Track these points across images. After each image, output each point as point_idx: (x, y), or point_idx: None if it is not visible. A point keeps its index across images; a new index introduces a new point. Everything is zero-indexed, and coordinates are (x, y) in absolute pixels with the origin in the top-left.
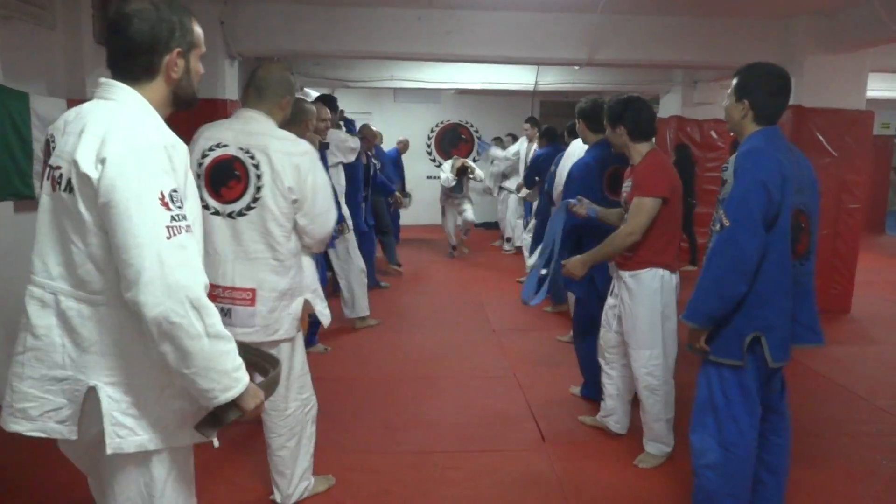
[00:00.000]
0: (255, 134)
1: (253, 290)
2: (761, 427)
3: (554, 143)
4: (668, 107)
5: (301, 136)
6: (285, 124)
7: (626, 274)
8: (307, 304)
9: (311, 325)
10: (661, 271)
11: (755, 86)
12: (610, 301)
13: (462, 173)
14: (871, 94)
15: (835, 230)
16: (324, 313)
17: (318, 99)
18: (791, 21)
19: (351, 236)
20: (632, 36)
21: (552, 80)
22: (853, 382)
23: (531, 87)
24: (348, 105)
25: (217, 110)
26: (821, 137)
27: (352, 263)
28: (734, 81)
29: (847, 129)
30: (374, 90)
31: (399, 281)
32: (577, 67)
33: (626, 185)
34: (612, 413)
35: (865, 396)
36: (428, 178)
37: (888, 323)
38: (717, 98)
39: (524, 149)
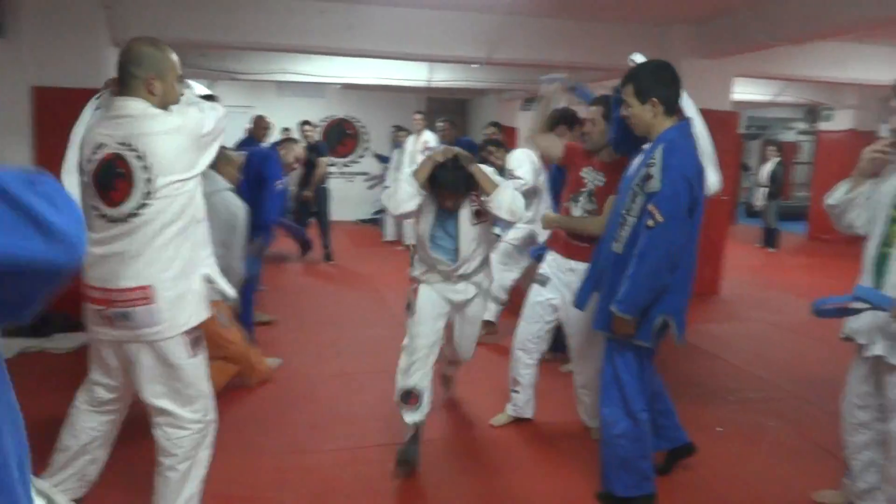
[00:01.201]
0: (128, 122)
1: (148, 288)
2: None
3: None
4: (553, 105)
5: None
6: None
7: (581, 266)
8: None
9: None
10: None
11: (654, 83)
12: (545, 293)
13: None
14: (736, 96)
15: (707, 220)
16: (227, 290)
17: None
18: (668, 28)
19: None
20: (527, 37)
21: (444, 77)
22: (732, 356)
23: (424, 84)
24: (228, 99)
25: None
26: None
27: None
28: (630, 87)
29: (716, 129)
30: (256, 83)
31: (297, 280)
32: (474, 66)
33: (597, 177)
34: (528, 402)
35: (744, 367)
36: None
37: (752, 302)
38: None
39: (412, 141)
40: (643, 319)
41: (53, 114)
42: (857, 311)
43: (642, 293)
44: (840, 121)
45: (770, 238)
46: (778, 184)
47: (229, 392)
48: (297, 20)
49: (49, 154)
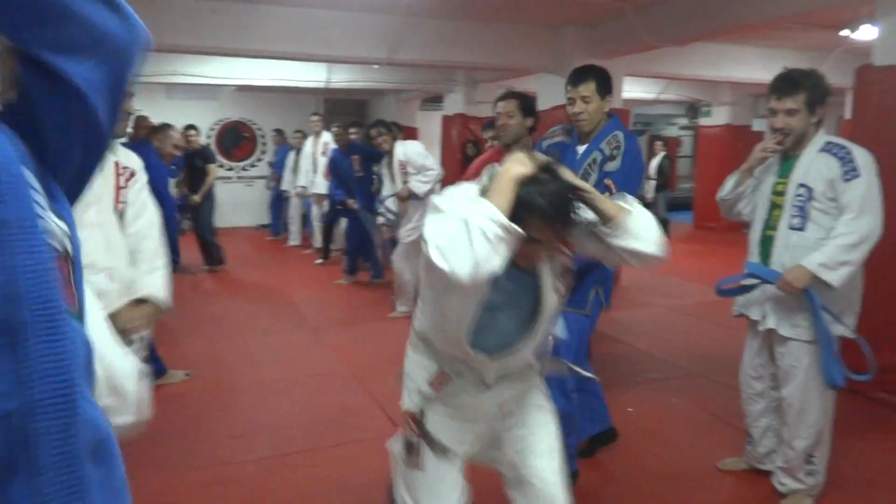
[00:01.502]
0: None
1: None
2: None
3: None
4: (452, 105)
5: None
6: None
7: None
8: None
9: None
10: None
11: (608, 82)
12: None
13: None
14: (625, 94)
15: None
16: None
17: None
18: (561, 30)
19: None
20: (427, 38)
21: (343, 77)
22: (636, 339)
23: (322, 85)
24: None
25: None
26: None
27: None
28: (592, 84)
29: None
30: (143, 86)
31: (201, 289)
32: (374, 66)
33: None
34: None
35: (647, 350)
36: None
37: (650, 288)
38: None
39: (310, 143)
40: (578, 290)
41: None
42: (753, 287)
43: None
44: (717, 116)
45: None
46: (665, 176)
47: None
48: (190, 20)
49: None
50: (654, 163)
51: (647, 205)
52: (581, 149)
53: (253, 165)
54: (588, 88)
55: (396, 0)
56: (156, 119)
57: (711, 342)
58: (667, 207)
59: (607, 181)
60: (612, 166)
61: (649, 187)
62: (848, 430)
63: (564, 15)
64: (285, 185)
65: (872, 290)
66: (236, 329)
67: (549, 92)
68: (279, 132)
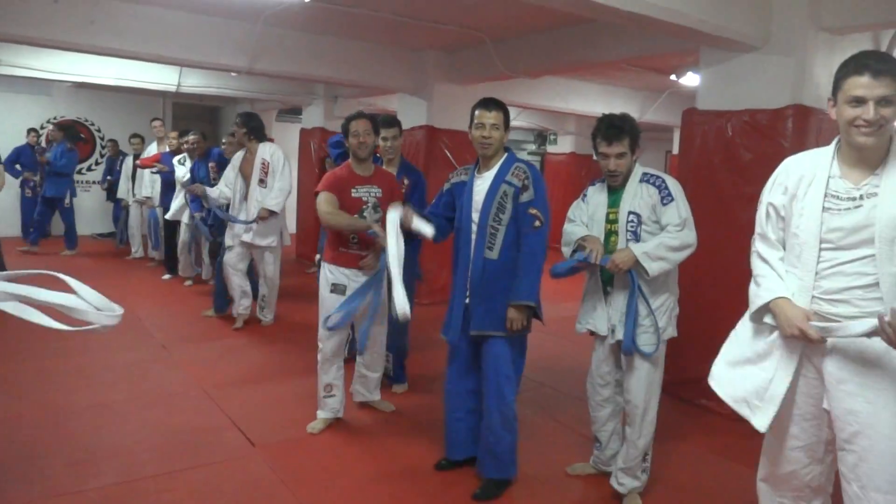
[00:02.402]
0: None
1: None
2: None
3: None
4: (311, 118)
5: None
6: None
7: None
8: None
9: None
10: None
11: (509, 116)
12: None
13: None
14: None
15: None
16: None
17: None
18: (423, 53)
19: None
20: (290, 49)
21: (196, 82)
22: None
23: (172, 88)
24: None
25: None
26: (448, 153)
27: None
28: (501, 114)
29: (467, 147)
30: None
31: None
32: (233, 74)
33: (371, 190)
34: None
35: None
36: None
37: None
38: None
39: (154, 149)
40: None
41: None
42: (583, 269)
43: (537, 282)
44: (563, 144)
45: None
46: None
47: None
48: (28, 9)
49: None
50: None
51: None
52: (483, 178)
53: (90, 169)
54: (498, 117)
55: (259, 9)
56: None
57: (561, 357)
58: None
59: (532, 210)
60: (527, 196)
61: None
62: (670, 434)
63: (427, 39)
64: (121, 194)
65: (692, 302)
66: (72, 346)
67: (409, 113)
68: (114, 143)
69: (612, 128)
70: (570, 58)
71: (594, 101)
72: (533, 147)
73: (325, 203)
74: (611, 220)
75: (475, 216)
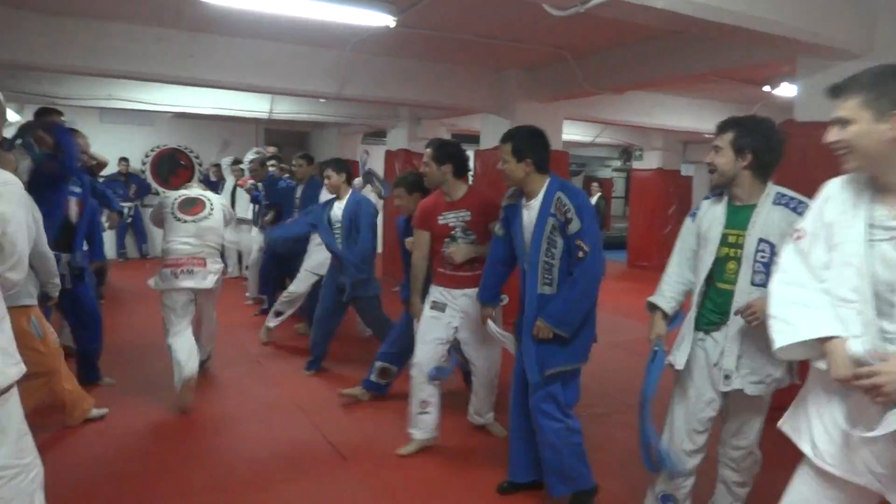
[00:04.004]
0: None
1: None
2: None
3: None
4: (396, 140)
5: None
6: None
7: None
8: None
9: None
10: None
11: (529, 146)
12: (444, 317)
13: None
14: (564, 137)
15: None
16: None
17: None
18: (504, 73)
19: None
20: (375, 74)
21: (287, 109)
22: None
23: (265, 116)
24: None
25: None
26: None
27: None
28: (509, 146)
29: (552, 167)
30: (75, 108)
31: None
32: (321, 100)
33: (459, 214)
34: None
35: (590, 385)
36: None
37: None
38: (439, 133)
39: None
40: (579, 341)
41: None
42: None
43: (574, 312)
44: (649, 160)
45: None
46: (601, 216)
47: None
48: (133, 46)
49: None
50: (592, 202)
51: None
52: (530, 208)
53: None
54: (505, 149)
55: (347, 36)
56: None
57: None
58: (603, 246)
59: (578, 242)
60: (573, 228)
61: None
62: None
63: (509, 59)
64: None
65: None
66: None
67: (492, 132)
68: (217, 167)
69: (722, 122)
70: (657, 72)
71: (680, 115)
72: (618, 163)
73: (416, 247)
74: (729, 244)
75: (528, 251)
